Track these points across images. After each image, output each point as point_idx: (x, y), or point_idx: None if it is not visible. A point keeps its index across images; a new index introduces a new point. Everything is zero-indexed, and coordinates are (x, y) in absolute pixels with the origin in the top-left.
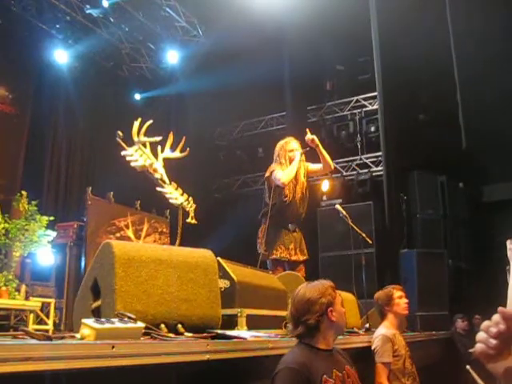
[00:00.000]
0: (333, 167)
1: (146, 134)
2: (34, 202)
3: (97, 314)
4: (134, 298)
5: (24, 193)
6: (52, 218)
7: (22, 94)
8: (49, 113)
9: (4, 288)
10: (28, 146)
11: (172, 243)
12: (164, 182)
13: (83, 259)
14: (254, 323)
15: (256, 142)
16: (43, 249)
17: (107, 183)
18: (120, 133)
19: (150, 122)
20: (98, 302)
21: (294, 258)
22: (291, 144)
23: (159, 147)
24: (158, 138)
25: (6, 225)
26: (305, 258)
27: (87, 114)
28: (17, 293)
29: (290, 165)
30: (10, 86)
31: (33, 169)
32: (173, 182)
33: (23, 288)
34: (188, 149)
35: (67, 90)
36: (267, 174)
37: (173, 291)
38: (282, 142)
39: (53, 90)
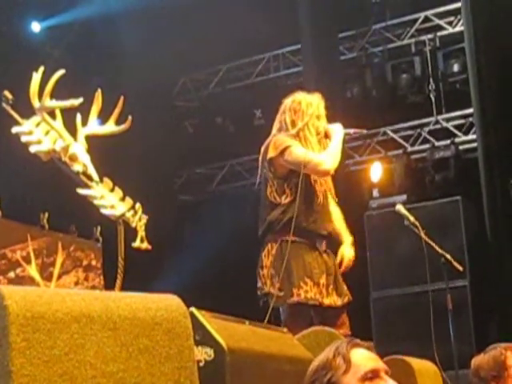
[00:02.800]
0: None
1: (54, 96)
2: None
3: None
4: None
5: None
6: None
7: None
8: None
9: None
10: None
11: (108, 286)
12: (90, 179)
13: None
14: None
15: (249, 101)
16: None
17: None
18: (8, 94)
19: (62, 71)
20: None
21: (327, 300)
22: (319, 106)
23: (79, 117)
24: (77, 101)
25: None
26: (346, 300)
27: None
28: None
29: (331, 141)
30: None
31: None
32: (106, 179)
33: None
34: (130, 118)
35: None
36: (272, 154)
37: (114, 371)
38: (299, 97)
39: None
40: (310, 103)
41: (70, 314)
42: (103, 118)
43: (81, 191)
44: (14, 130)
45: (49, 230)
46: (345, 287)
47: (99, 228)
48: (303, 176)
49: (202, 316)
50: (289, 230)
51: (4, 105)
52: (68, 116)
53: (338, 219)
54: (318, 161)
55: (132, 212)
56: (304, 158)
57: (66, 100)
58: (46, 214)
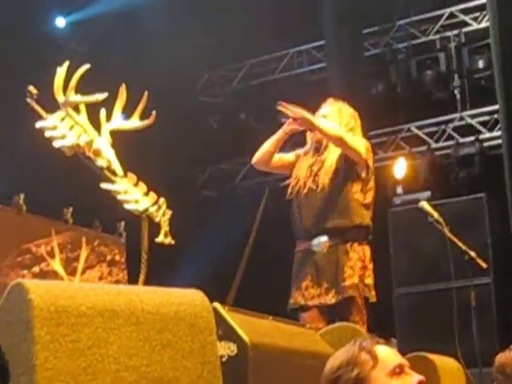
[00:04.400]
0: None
1: (78, 90)
2: None
3: None
4: (71, 379)
5: None
6: None
7: None
8: None
9: None
10: None
11: (132, 280)
12: (114, 174)
13: None
14: None
15: (273, 96)
16: None
17: (12, 178)
18: (32, 89)
19: (87, 66)
20: None
21: (312, 302)
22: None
23: (103, 112)
24: (101, 96)
25: None
26: (328, 298)
27: None
28: None
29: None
30: None
31: None
32: (130, 174)
33: None
34: (154, 113)
35: None
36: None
37: (137, 365)
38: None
39: None
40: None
41: (93, 308)
42: (127, 113)
43: (104, 186)
44: (38, 124)
45: (73, 225)
46: (343, 284)
47: (123, 223)
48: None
49: (225, 311)
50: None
51: (28, 100)
52: (92, 111)
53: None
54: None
55: (156, 207)
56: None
57: (90, 95)
58: (70, 209)
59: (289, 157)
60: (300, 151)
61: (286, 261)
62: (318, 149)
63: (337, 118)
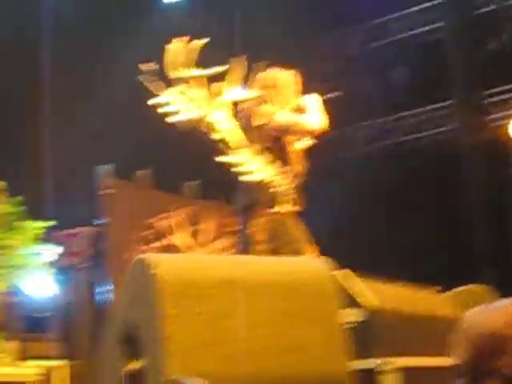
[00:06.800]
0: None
1: (194, 65)
2: (17, 199)
3: (135, 382)
4: (197, 351)
5: (1, 183)
6: (49, 224)
7: None
8: (26, 46)
9: None
10: None
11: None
12: (231, 147)
13: (103, 291)
14: (409, 382)
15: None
16: (36, 278)
17: (131, 154)
18: (146, 66)
19: (204, 40)
20: (137, 364)
21: None
22: None
23: (220, 85)
24: (221, 69)
25: None
26: None
27: (89, 43)
28: (1, 355)
29: None
30: None
31: (8, 141)
32: (251, 144)
33: (10, 347)
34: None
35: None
36: None
37: (264, 335)
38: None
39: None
40: None
41: (217, 279)
42: (246, 83)
43: (220, 158)
44: (153, 101)
45: (196, 199)
46: None
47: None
48: None
49: (349, 277)
50: None
51: (141, 78)
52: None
53: None
54: None
55: (279, 177)
56: None
57: (205, 68)
58: (194, 183)
59: None
60: None
61: None
62: None
63: None
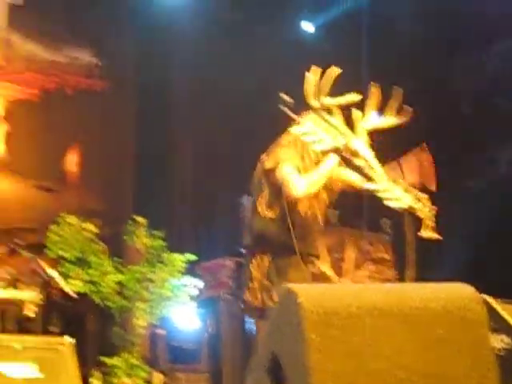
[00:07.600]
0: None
1: (331, 93)
2: (157, 233)
3: None
4: (343, 380)
5: (141, 220)
6: (193, 258)
7: (118, 57)
8: (164, 82)
9: (127, 381)
10: (138, 143)
11: (399, 278)
12: (373, 173)
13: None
14: None
15: None
16: (183, 309)
17: None
18: (286, 97)
19: (338, 70)
20: None
21: None
22: None
23: (357, 112)
24: (356, 98)
25: (120, 275)
26: None
27: (227, 72)
28: None
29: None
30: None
31: (148, 180)
32: (389, 171)
33: (157, 378)
34: (409, 108)
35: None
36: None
37: (409, 363)
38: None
39: (170, 41)
40: None
41: (362, 308)
42: (382, 110)
43: (366, 186)
44: (295, 130)
45: (338, 226)
46: None
47: (388, 221)
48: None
49: (495, 302)
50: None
51: (281, 106)
52: (345, 112)
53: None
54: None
55: (418, 202)
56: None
57: (342, 96)
58: (336, 212)
59: None
60: None
61: None
62: None
63: None
